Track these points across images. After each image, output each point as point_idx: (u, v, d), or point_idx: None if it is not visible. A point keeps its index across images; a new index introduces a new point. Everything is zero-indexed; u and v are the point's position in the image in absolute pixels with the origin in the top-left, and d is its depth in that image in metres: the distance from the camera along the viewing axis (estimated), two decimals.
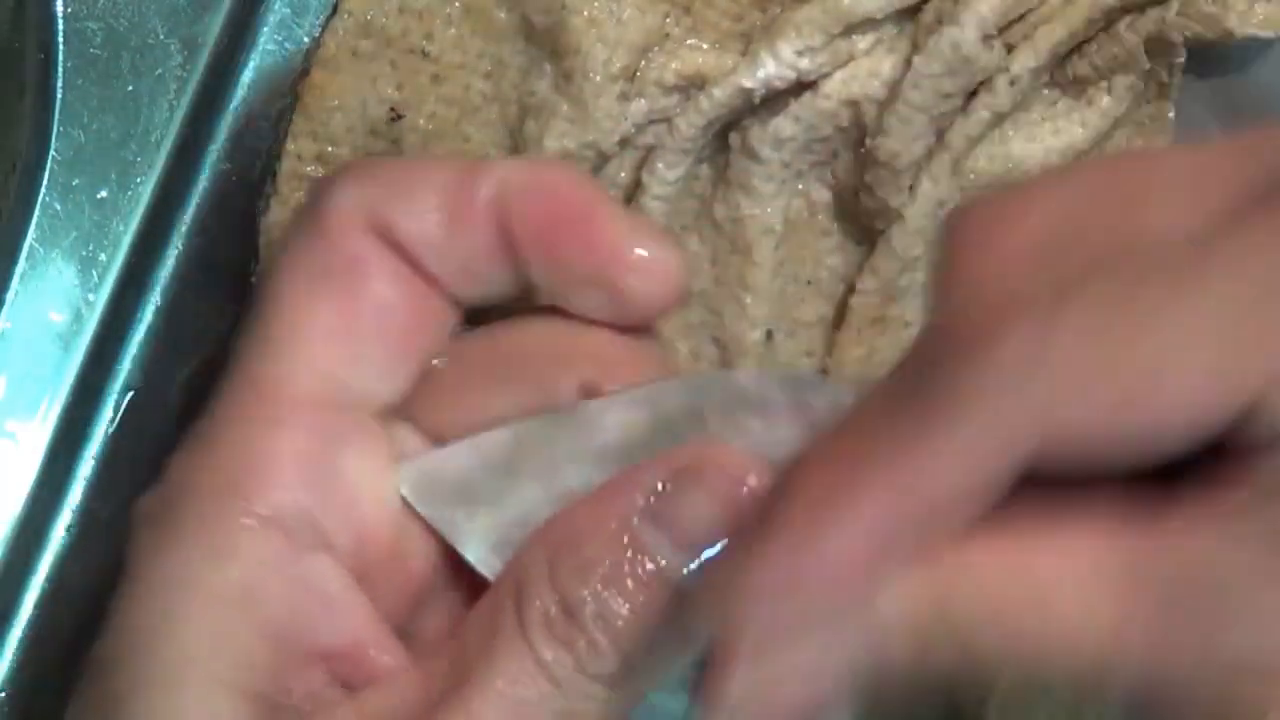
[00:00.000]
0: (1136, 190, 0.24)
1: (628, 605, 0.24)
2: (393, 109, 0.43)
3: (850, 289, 0.44)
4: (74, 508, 0.45)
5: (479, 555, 0.26)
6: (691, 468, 0.24)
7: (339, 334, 0.27)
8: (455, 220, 0.28)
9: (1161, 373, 0.22)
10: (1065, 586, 0.22)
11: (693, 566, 0.24)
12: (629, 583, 0.24)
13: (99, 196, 0.44)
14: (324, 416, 0.27)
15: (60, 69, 0.43)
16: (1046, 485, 0.23)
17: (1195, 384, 0.22)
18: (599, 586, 0.24)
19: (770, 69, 0.41)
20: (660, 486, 0.24)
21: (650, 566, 0.24)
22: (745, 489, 0.24)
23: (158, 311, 0.45)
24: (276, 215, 0.44)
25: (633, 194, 0.43)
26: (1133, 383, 0.22)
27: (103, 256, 0.44)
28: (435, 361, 0.28)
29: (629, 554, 0.24)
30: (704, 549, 0.24)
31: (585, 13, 0.41)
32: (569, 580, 0.24)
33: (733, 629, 0.22)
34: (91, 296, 0.44)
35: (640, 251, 0.27)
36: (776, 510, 0.23)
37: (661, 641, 0.24)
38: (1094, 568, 0.22)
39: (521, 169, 0.28)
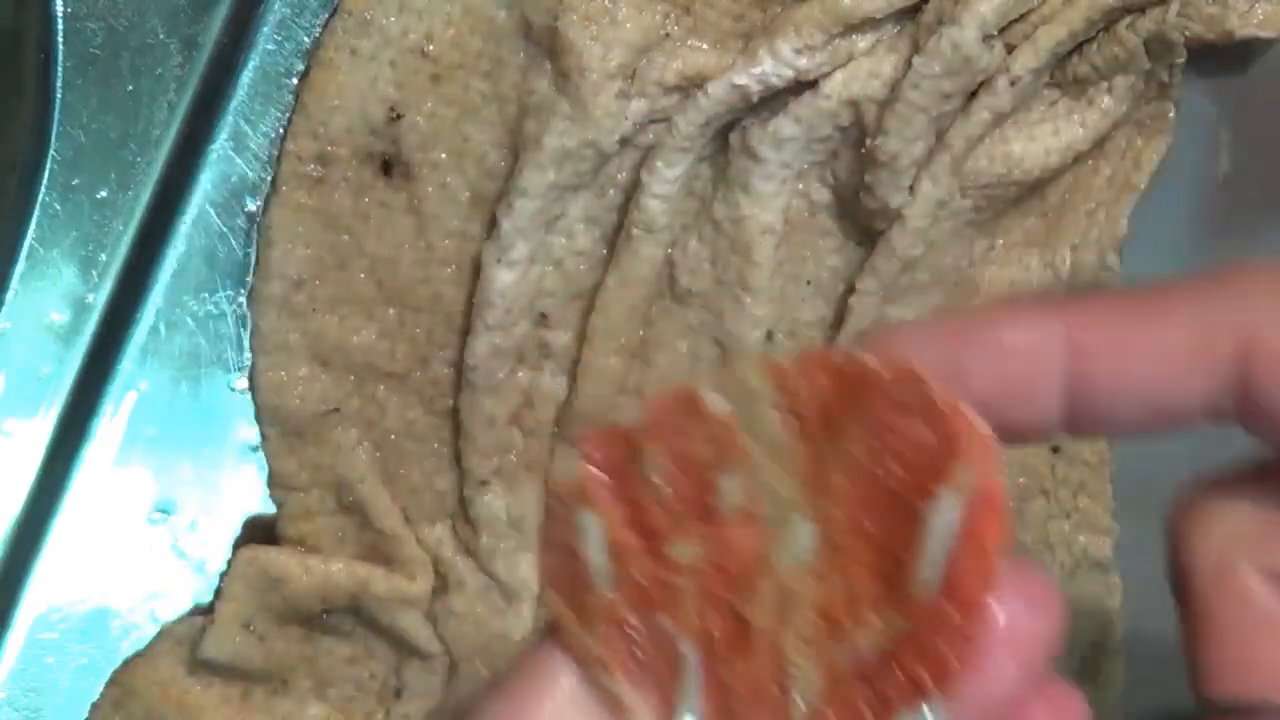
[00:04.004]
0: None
1: None
2: (392, 108, 0.43)
3: (850, 289, 0.44)
4: (74, 508, 0.45)
5: None
6: None
7: None
8: None
9: None
10: None
11: None
12: None
13: (99, 196, 0.44)
14: None
15: (60, 69, 0.43)
16: None
17: None
18: None
19: (768, 67, 0.41)
20: None
21: None
22: None
23: (158, 311, 0.45)
24: (276, 215, 0.44)
25: (632, 193, 0.43)
26: None
27: (103, 256, 0.44)
28: None
29: None
30: None
31: (581, 11, 0.41)
32: None
33: None
34: (91, 296, 0.44)
35: None
36: None
37: None
38: None
39: None
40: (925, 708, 0.24)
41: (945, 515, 0.24)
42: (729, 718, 0.25)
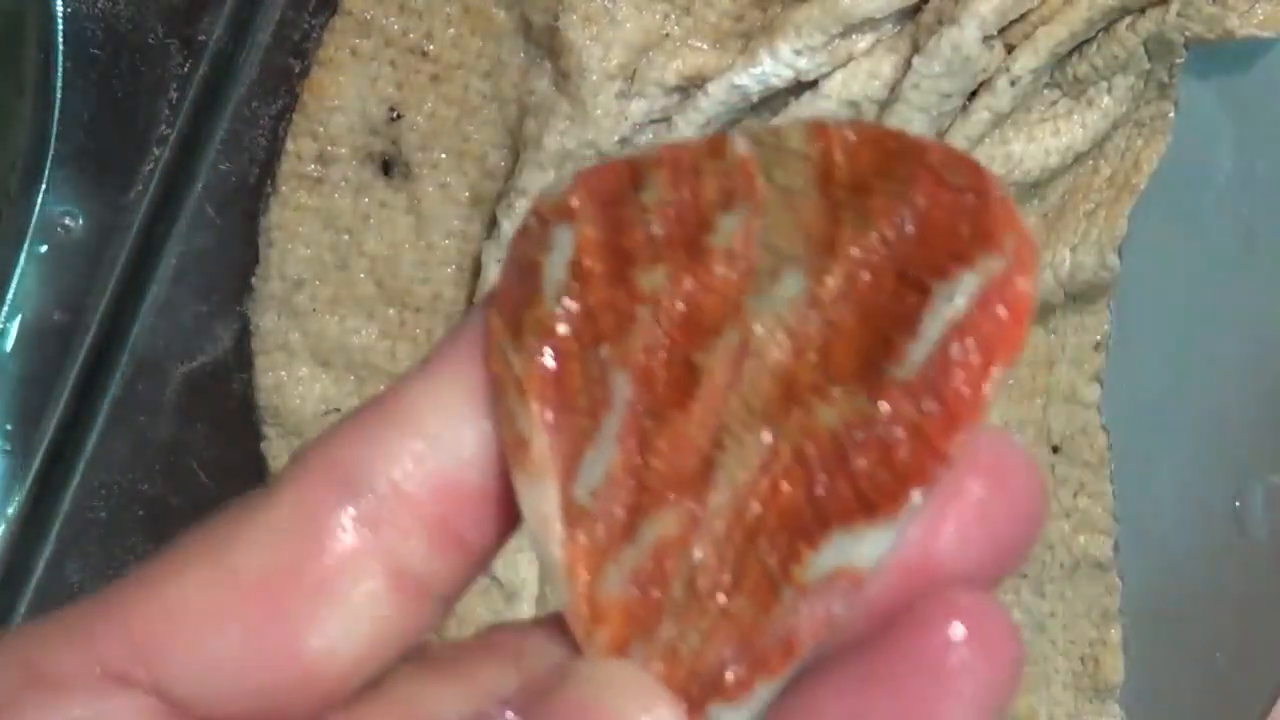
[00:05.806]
0: None
1: None
2: (392, 108, 0.43)
3: None
4: (73, 508, 0.45)
5: None
6: None
7: None
8: None
9: None
10: None
11: None
12: None
13: (99, 196, 0.44)
14: None
15: (60, 69, 0.43)
16: None
17: None
18: None
19: (767, 67, 0.41)
20: None
21: None
22: None
23: (158, 311, 0.45)
24: (276, 215, 0.44)
25: None
26: None
27: (103, 256, 0.44)
28: None
29: None
30: None
31: (580, 11, 0.41)
32: None
33: None
34: (91, 297, 0.44)
35: None
36: None
37: None
38: None
39: None
40: (865, 532, 0.20)
41: (956, 299, 0.20)
42: (640, 481, 0.21)
